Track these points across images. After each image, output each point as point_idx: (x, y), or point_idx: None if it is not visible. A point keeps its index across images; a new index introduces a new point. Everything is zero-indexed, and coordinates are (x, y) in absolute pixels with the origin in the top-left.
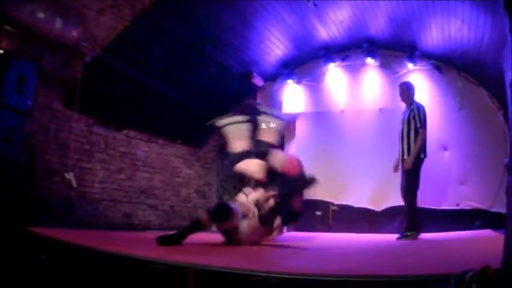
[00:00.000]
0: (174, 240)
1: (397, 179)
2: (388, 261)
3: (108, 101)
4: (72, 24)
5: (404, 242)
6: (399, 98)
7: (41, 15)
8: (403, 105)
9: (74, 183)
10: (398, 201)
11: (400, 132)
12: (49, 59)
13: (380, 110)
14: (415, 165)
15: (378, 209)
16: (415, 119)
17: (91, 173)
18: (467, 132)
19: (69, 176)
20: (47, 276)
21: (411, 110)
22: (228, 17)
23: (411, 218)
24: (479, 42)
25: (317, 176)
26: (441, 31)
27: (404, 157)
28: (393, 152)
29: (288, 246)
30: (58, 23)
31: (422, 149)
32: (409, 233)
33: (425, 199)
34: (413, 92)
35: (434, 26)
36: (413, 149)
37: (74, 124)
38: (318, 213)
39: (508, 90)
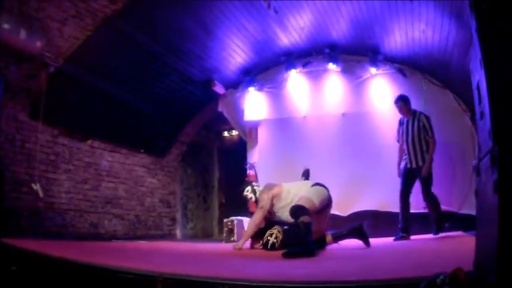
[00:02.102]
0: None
1: (360, 184)
2: (356, 266)
3: (72, 111)
4: (36, 35)
5: (373, 246)
6: (362, 102)
7: (6, 26)
8: (366, 110)
9: (41, 194)
10: (364, 206)
11: (410, 141)
12: (14, 71)
13: (343, 115)
14: (430, 171)
15: (344, 214)
16: (426, 128)
17: (57, 184)
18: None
19: (36, 186)
20: (18, 287)
21: (419, 120)
22: (190, 26)
23: (438, 217)
24: (444, 44)
25: (281, 183)
26: (405, 34)
27: (413, 166)
28: (357, 156)
29: (255, 253)
30: (22, 34)
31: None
32: (440, 230)
33: (392, 203)
34: (410, 102)
35: (398, 29)
36: (428, 156)
37: (39, 135)
38: None
39: (475, 92)
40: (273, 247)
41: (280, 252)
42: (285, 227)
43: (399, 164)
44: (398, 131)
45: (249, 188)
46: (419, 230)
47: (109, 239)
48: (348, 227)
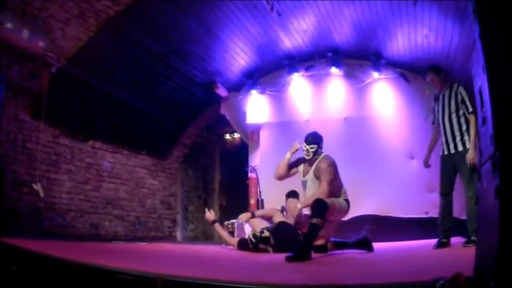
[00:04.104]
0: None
1: (361, 189)
2: (356, 270)
3: (74, 111)
4: (39, 34)
5: (374, 250)
6: (364, 107)
7: (9, 25)
8: (368, 114)
9: (42, 194)
10: (365, 210)
11: (446, 120)
12: (16, 70)
13: (345, 119)
14: (473, 157)
15: (345, 218)
16: (464, 102)
17: (58, 184)
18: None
19: (37, 186)
20: (18, 286)
21: (455, 93)
22: (193, 28)
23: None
24: (446, 49)
25: (282, 186)
26: (407, 39)
27: (451, 151)
28: (359, 160)
29: (255, 256)
30: (25, 34)
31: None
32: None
33: (393, 208)
34: (443, 72)
35: (401, 34)
36: (471, 138)
37: (41, 135)
38: None
39: (477, 97)
40: (266, 241)
41: (277, 255)
42: (270, 229)
43: (430, 150)
44: (434, 110)
45: (315, 146)
46: (420, 235)
47: (109, 240)
48: (352, 238)
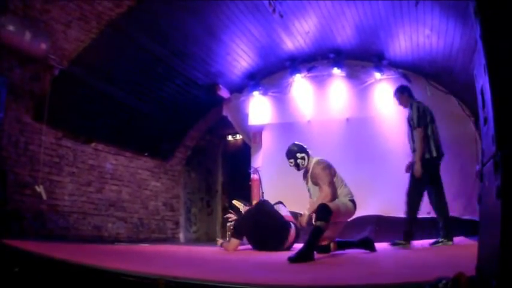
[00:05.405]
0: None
1: (364, 189)
2: (359, 270)
3: (76, 113)
4: (41, 37)
5: (376, 251)
6: (366, 107)
7: (11, 28)
8: (370, 115)
9: (44, 196)
10: (368, 211)
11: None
12: (18, 72)
13: (347, 120)
14: (417, 170)
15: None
16: (412, 120)
17: (61, 186)
18: None
19: (39, 188)
20: None
21: (408, 113)
22: (195, 30)
23: (406, 225)
24: (448, 50)
25: (285, 187)
26: (409, 39)
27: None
28: (361, 161)
29: (258, 257)
30: (27, 36)
31: (427, 149)
32: (400, 241)
33: (396, 208)
34: (410, 92)
35: (402, 34)
36: (418, 152)
37: (43, 137)
38: None
39: (479, 97)
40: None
41: (277, 254)
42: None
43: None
44: None
45: (304, 155)
46: (422, 235)
47: (112, 242)
48: (355, 238)
